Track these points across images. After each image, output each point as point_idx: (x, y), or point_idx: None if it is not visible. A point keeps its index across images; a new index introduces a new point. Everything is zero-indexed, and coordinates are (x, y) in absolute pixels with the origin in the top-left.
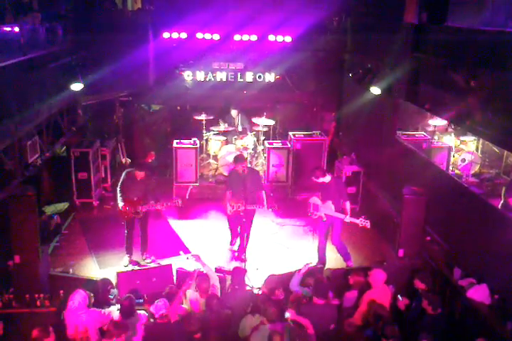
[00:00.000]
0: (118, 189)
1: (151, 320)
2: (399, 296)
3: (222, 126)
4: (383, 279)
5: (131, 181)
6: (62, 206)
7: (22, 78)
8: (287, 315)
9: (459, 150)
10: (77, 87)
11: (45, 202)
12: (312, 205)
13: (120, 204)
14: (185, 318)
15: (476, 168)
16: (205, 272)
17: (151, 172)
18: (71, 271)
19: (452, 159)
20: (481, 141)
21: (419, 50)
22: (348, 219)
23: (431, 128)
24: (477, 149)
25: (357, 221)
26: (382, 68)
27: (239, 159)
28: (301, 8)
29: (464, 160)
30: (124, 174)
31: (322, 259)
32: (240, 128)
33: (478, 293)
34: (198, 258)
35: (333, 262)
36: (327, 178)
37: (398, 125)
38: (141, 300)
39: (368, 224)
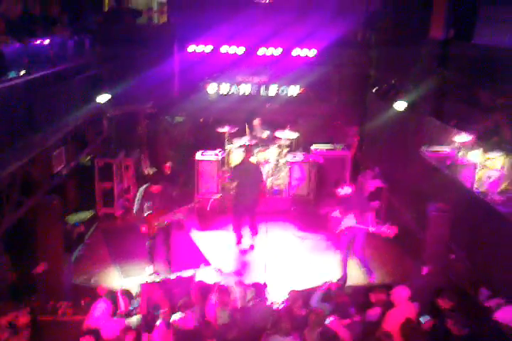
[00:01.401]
0: (137, 208)
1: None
2: (421, 319)
3: (245, 140)
4: (407, 296)
5: (150, 197)
6: (86, 215)
7: (51, 89)
8: (327, 321)
9: (484, 166)
10: (103, 98)
11: (69, 211)
12: (335, 219)
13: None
14: (205, 325)
15: (502, 186)
16: (225, 285)
17: (166, 182)
18: (93, 280)
19: (477, 176)
20: (507, 157)
21: (444, 66)
22: (372, 229)
23: (456, 145)
24: (504, 166)
25: (382, 229)
26: (407, 84)
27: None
28: (325, 22)
29: (490, 177)
30: (140, 192)
31: (344, 275)
32: (264, 135)
33: (507, 315)
34: (218, 271)
35: (355, 278)
36: (349, 190)
37: (423, 141)
38: (160, 312)
39: (393, 231)
